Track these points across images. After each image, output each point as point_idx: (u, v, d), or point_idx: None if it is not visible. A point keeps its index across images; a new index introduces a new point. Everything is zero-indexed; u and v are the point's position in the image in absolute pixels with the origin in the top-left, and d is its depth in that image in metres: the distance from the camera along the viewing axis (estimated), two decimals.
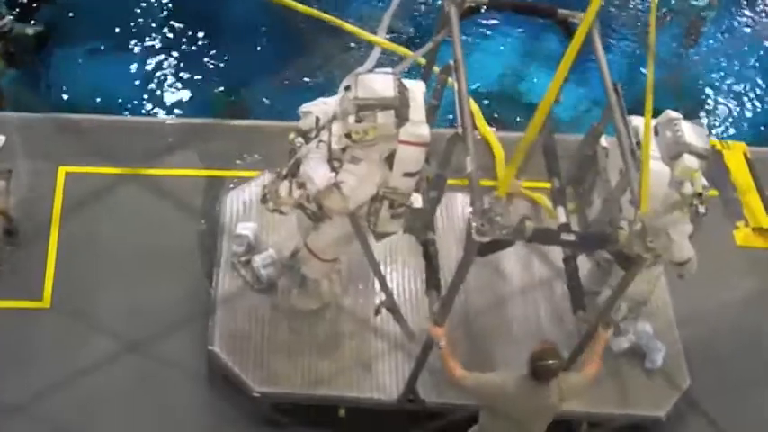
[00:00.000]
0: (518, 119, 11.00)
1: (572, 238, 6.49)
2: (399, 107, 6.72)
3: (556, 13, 7.54)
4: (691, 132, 7.22)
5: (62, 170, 9.39)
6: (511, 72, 12.50)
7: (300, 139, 7.14)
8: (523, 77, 12.48)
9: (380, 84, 6.79)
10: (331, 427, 8.00)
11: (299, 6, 8.50)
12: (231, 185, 9.28)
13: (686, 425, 8.46)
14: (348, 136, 6.82)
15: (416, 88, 7.00)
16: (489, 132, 9.89)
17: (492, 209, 6.09)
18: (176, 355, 7.84)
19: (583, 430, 8.28)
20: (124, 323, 8.25)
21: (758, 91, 13.43)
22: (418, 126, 6.79)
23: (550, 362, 6.39)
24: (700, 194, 7.32)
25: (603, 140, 7.65)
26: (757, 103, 13.33)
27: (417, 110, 6.85)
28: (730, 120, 13.09)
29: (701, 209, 7.53)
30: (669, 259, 7.66)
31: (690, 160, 7.15)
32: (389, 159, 6.93)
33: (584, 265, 8.39)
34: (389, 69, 7.11)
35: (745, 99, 13.35)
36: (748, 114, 13.18)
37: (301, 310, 8.17)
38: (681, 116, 7.38)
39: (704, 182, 7.37)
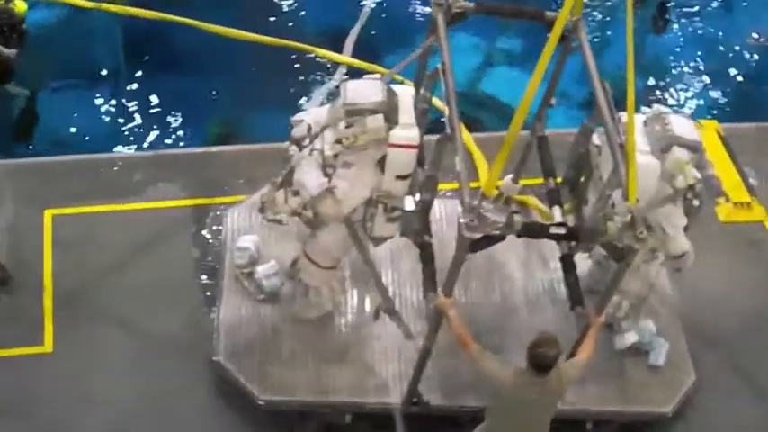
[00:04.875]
0: (487, 118, 11.16)
1: (562, 230, 6.55)
2: (388, 111, 6.86)
3: (543, 15, 7.67)
4: (680, 125, 7.28)
5: (48, 213, 9.37)
6: (473, 72, 12.53)
7: (294, 148, 7.28)
8: (486, 77, 12.51)
9: (368, 89, 6.97)
10: None
11: (268, 39, 8.69)
12: (218, 212, 9.43)
13: (691, 420, 8.47)
14: (339, 141, 6.97)
15: (405, 93, 7.13)
16: (469, 138, 10.05)
17: (481, 205, 6.18)
18: (186, 392, 8.09)
19: (587, 429, 8.28)
20: (129, 360, 8.35)
21: (723, 70, 13.64)
22: (408, 129, 6.90)
23: (548, 350, 6.41)
24: (692, 186, 7.39)
25: (596, 138, 7.71)
26: (722, 82, 13.51)
27: (406, 113, 6.97)
28: (698, 100, 13.24)
29: (696, 202, 7.60)
30: (665, 253, 7.73)
31: (680, 153, 7.21)
32: (381, 163, 7.06)
33: (586, 264, 8.50)
34: (377, 76, 7.28)
35: (711, 79, 13.52)
36: (715, 94, 13.36)
37: (304, 318, 8.25)
38: (669, 110, 7.47)
39: (696, 174, 7.43)
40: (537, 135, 8.38)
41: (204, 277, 8.98)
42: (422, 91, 7.41)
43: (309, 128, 7.25)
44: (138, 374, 8.21)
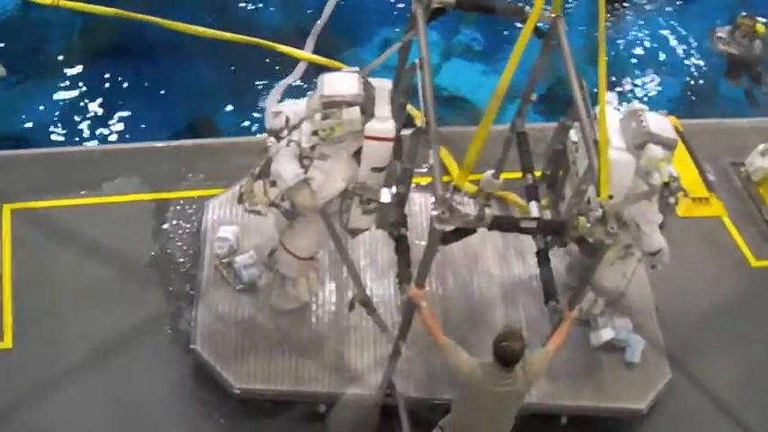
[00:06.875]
0: (445, 113, 11.04)
1: (532, 224, 6.60)
2: (364, 103, 6.91)
3: (522, 11, 7.71)
4: (655, 122, 7.34)
5: (7, 208, 9.24)
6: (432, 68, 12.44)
7: (272, 139, 7.34)
8: (444, 72, 12.13)
9: (345, 81, 7.02)
10: (310, 424, 8.07)
11: (235, 36, 8.74)
12: (178, 206, 9.44)
13: (666, 417, 8.51)
14: (316, 133, 7.03)
15: (382, 86, 7.17)
16: None
17: (453, 198, 6.23)
18: (149, 384, 8.09)
19: (562, 424, 8.32)
20: (91, 355, 8.24)
21: (679, 65, 13.73)
22: (383, 122, 6.96)
23: (513, 344, 6.46)
24: (667, 184, 7.44)
25: (573, 135, 7.76)
26: (679, 78, 13.61)
27: (383, 106, 7.02)
28: (656, 94, 13.27)
29: (672, 199, 7.65)
30: (640, 250, 7.78)
31: (654, 150, 7.26)
32: (358, 155, 7.11)
33: (564, 262, 8.56)
34: (357, 69, 7.33)
35: (668, 73, 13.60)
36: (671, 89, 13.41)
37: (281, 309, 8.30)
38: (645, 107, 7.52)
39: (672, 171, 7.48)
40: (517, 131, 8.43)
41: (165, 272, 8.94)
42: (400, 85, 7.46)
43: (288, 119, 7.31)
44: (101, 369, 8.14)
